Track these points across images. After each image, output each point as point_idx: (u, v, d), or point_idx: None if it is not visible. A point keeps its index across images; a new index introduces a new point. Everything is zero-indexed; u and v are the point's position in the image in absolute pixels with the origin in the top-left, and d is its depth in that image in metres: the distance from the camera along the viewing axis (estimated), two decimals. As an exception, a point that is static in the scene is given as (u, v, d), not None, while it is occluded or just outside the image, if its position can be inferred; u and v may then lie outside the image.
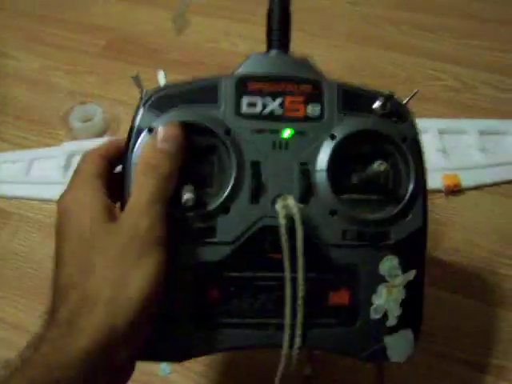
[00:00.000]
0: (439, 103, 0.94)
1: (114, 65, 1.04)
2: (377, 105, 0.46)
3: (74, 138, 0.91)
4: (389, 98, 0.45)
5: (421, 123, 0.85)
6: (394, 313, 0.45)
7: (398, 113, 0.47)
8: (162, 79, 0.52)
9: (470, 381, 0.63)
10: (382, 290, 0.45)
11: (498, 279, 0.71)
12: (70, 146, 0.88)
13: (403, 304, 0.45)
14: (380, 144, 0.46)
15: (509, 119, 0.89)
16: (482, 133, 0.86)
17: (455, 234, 0.76)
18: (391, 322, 0.45)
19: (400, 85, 0.97)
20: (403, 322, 0.45)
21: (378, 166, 0.43)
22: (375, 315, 0.45)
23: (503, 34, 1.06)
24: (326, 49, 1.05)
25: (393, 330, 0.45)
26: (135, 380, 0.63)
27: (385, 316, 0.45)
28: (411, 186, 0.45)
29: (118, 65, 1.04)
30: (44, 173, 0.86)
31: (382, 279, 0.45)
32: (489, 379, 0.63)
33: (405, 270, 0.45)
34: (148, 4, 1.18)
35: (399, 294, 0.45)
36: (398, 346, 0.46)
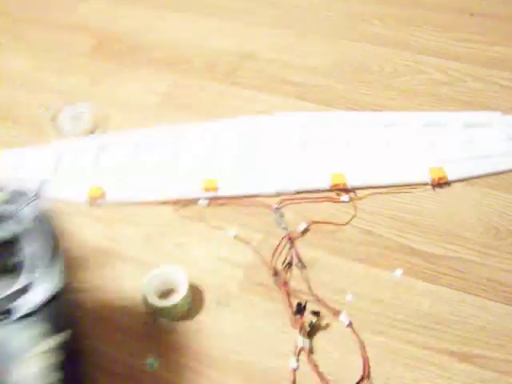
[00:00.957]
0: (424, 96, 0.94)
1: (102, 64, 1.04)
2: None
3: (63, 138, 0.91)
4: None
5: (406, 116, 0.88)
6: (46, 380, 0.47)
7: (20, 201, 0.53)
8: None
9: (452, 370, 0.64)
10: (29, 359, 0.46)
11: (485, 270, 0.72)
12: (58, 145, 0.89)
13: (53, 368, 0.47)
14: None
15: (494, 111, 0.89)
16: (468, 125, 0.86)
17: (442, 227, 0.76)
18: None
19: (386, 78, 0.97)
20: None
21: None
22: None
23: (490, 27, 1.06)
24: (314, 44, 1.05)
25: None
26: (123, 375, 0.65)
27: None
28: (33, 259, 0.49)
29: (106, 64, 1.04)
30: (33, 171, 0.86)
31: (28, 349, 0.46)
32: (472, 369, 0.64)
33: (49, 336, 0.47)
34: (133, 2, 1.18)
35: (46, 359, 0.47)
36: None
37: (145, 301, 0.67)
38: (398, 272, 0.72)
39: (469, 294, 0.70)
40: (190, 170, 0.84)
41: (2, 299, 0.48)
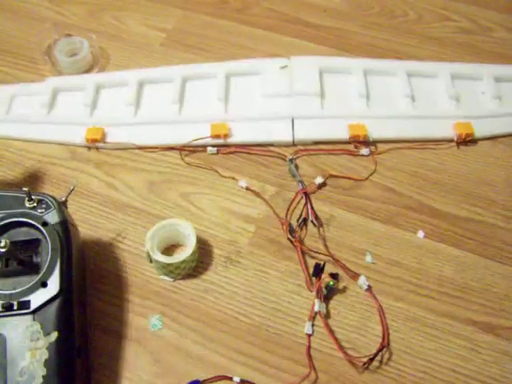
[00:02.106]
0: (451, 46, 0.88)
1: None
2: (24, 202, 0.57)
3: (59, 74, 0.84)
4: (28, 195, 0.56)
5: (432, 67, 0.81)
6: (40, 373, 0.50)
7: (44, 205, 0.57)
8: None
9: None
10: (26, 353, 0.50)
11: (511, 236, 0.68)
12: (54, 81, 0.82)
13: (47, 364, 0.50)
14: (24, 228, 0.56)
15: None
16: (498, 79, 0.80)
17: (465, 187, 0.72)
18: (37, 381, 0.49)
19: (410, 25, 0.91)
20: (49, 381, 0.50)
21: None
22: (20, 377, 0.49)
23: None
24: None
25: None
26: (126, 335, 0.60)
27: (32, 377, 0.49)
28: (48, 260, 0.53)
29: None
30: (27, 111, 0.79)
31: (26, 343, 0.50)
32: (497, 341, 0.60)
33: (47, 333, 0.51)
34: None
35: (42, 355, 0.50)
36: None
37: (148, 257, 0.62)
38: (420, 234, 0.67)
39: (493, 260, 0.66)
40: (198, 114, 0.78)
41: (21, 292, 0.52)
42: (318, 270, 0.62)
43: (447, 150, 0.75)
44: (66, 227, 0.57)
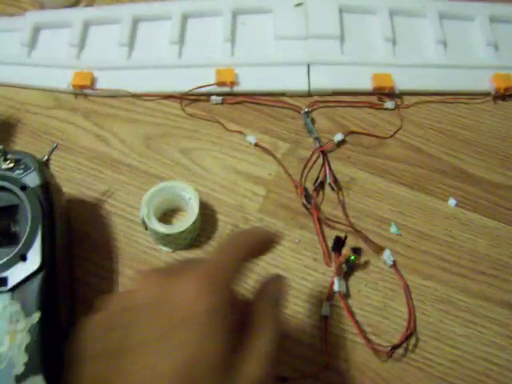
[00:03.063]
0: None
1: None
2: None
3: (42, 7, 0.74)
4: (4, 153, 0.49)
5: (466, 8, 0.71)
6: (20, 360, 0.43)
7: (23, 166, 0.49)
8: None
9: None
10: (5, 337, 0.43)
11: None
12: (35, 16, 0.71)
13: (29, 349, 0.43)
14: None
15: None
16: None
17: (503, 149, 0.63)
18: (18, 369, 0.43)
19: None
20: (31, 369, 0.43)
21: None
22: None
23: None
24: None
25: (21, 378, 0.43)
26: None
27: (12, 364, 0.43)
28: (27, 230, 0.46)
29: None
30: (4, 50, 0.69)
31: (4, 326, 0.43)
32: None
33: (28, 314, 0.44)
34: None
35: (23, 339, 0.43)
36: None
37: (144, 224, 0.55)
38: (452, 202, 0.60)
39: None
40: (200, 58, 0.68)
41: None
42: (340, 243, 0.54)
43: (483, 105, 0.66)
44: (48, 191, 0.50)
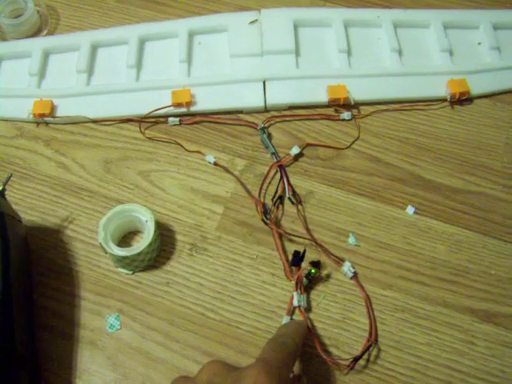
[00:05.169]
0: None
1: None
2: None
3: (2, 39, 0.75)
4: None
5: (421, 15, 0.72)
6: None
7: None
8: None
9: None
10: None
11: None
12: (-5, 47, 0.73)
13: None
14: None
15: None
16: (497, 27, 0.71)
17: (461, 153, 0.64)
18: None
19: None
20: None
21: None
22: None
23: None
24: None
25: None
26: (81, 340, 0.53)
27: None
28: None
29: None
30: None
31: None
32: (497, 331, 0.53)
33: None
34: None
35: None
36: None
37: (103, 248, 0.55)
38: (410, 209, 0.60)
39: (493, 238, 0.58)
40: (157, 79, 0.69)
41: None
42: (298, 258, 0.54)
43: (440, 111, 0.67)
44: (2, 221, 0.50)
